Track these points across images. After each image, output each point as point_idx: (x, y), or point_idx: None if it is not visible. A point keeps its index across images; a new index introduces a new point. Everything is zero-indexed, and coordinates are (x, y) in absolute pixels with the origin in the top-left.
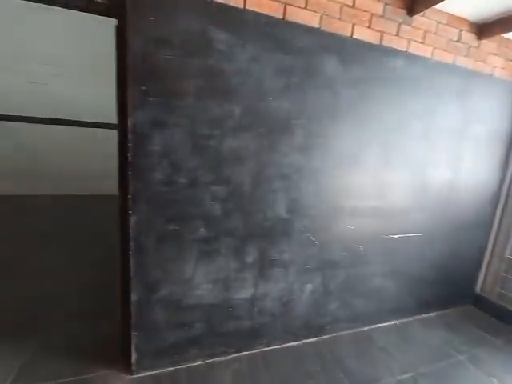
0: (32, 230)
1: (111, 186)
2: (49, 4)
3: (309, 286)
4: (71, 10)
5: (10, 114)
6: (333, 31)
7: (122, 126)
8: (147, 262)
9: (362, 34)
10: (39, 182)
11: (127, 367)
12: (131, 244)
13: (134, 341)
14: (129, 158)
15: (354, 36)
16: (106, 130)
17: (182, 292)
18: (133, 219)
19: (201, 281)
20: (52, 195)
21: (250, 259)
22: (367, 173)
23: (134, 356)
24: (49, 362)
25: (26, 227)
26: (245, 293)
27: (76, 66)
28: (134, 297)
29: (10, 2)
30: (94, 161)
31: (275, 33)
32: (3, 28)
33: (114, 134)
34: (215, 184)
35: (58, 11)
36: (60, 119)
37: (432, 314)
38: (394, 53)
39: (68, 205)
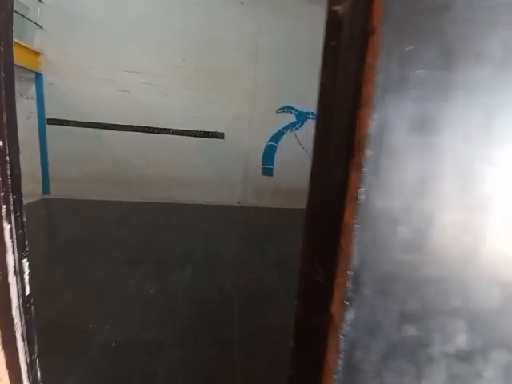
0: (120, 247)
1: (192, 195)
2: None
3: None
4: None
5: (100, 121)
6: None
7: (330, 131)
8: None
9: None
10: (124, 188)
11: None
12: (339, 362)
13: None
14: (359, 196)
15: None
16: (191, 137)
17: None
18: (349, 316)
19: None
20: (138, 202)
21: None
22: None
23: None
24: None
25: (116, 240)
26: None
27: (161, 75)
28: None
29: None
30: (176, 169)
31: None
32: (99, 38)
33: (194, 142)
34: None
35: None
36: (149, 127)
37: None
38: None
39: (154, 215)
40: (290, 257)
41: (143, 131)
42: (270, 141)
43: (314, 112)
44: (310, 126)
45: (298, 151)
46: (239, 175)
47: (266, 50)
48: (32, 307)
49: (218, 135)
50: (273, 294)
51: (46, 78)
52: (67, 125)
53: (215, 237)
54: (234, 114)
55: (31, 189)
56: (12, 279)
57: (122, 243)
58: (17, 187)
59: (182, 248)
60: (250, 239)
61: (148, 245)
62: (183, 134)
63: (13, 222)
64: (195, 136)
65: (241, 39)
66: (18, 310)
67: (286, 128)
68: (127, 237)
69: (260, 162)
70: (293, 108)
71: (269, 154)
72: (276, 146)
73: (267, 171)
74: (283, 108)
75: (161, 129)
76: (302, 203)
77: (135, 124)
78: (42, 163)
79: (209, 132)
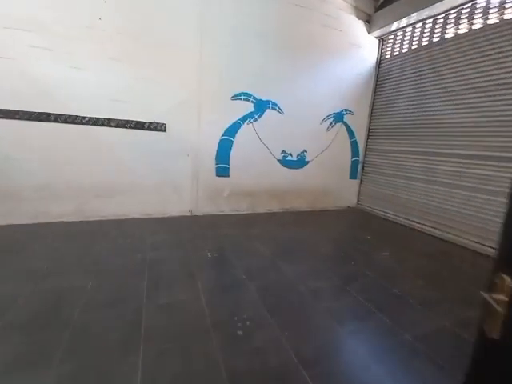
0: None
1: (122, 208)
2: None
3: None
4: None
5: None
6: None
7: None
8: None
9: None
10: (11, 204)
11: None
12: None
13: None
14: None
15: None
16: (118, 129)
17: None
18: None
19: None
20: (34, 225)
21: None
22: None
23: None
24: None
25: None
26: None
27: (67, 36)
28: None
29: None
30: (96, 172)
31: None
32: None
33: (123, 135)
34: None
35: None
36: (50, 113)
37: None
38: None
39: (62, 244)
40: (282, 294)
41: (40, 119)
42: (224, 134)
43: (274, 101)
44: (269, 116)
45: (257, 146)
46: (188, 177)
47: (218, 22)
48: None
49: (158, 127)
50: (289, 373)
51: None
52: None
53: (168, 274)
54: (178, 100)
55: None
56: None
57: None
58: None
59: (117, 308)
60: (218, 267)
61: (52, 312)
62: (105, 125)
63: None
64: (124, 127)
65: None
66: None
67: (243, 119)
68: (9, 300)
69: (213, 161)
70: (250, 95)
71: (223, 150)
72: (232, 141)
73: (222, 171)
74: (239, 95)
75: (69, 116)
76: (265, 206)
77: (25, 109)
78: None
79: (144, 122)
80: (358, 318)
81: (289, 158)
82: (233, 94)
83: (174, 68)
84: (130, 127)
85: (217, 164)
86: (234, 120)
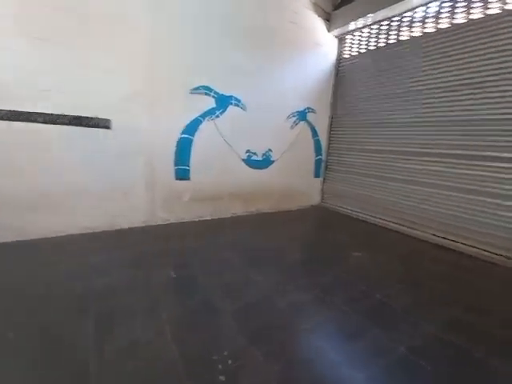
0: None
1: (55, 223)
2: None
3: None
4: None
5: None
6: None
7: None
8: None
9: None
10: None
11: None
12: None
13: None
14: None
15: None
16: (49, 126)
17: None
18: None
19: None
20: None
21: None
22: None
23: None
24: None
25: None
26: None
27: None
28: None
29: None
30: (18, 179)
31: None
32: None
33: (56, 133)
34: None
35: None
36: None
37: None
38: None
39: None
40: (263, 316)
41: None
42: (183, 132)
43: (237, 96)
44: (232, 113)
45: (220, 145)
46: (141, 182)
47: (174, 3)
48: None
49: (101, 123)
50: None
51: None
52: None
53: (121, 306)
54: (127, 92)
55: None
56: None
57: None
58: None
59: (52, 367)
60: (185, 289)
61: None
62: (31, 120)
63: None
64: (55, 123)
65: None
66: None
67: (204, 115)
68: None
69: (171, 162)
70: (211, 89)
71: (183, 150)
72: (192, 140)
73: (182, 173)
74: (198, 88)
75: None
76: (229, 209)
77: None
78: None
79: (82, 117)
80: (349, 334)
81: (254, 157)
82: (191, 87)
83: (120, 53)
84: (64, 123)
85: (176, 166)
86: (194, 117)
